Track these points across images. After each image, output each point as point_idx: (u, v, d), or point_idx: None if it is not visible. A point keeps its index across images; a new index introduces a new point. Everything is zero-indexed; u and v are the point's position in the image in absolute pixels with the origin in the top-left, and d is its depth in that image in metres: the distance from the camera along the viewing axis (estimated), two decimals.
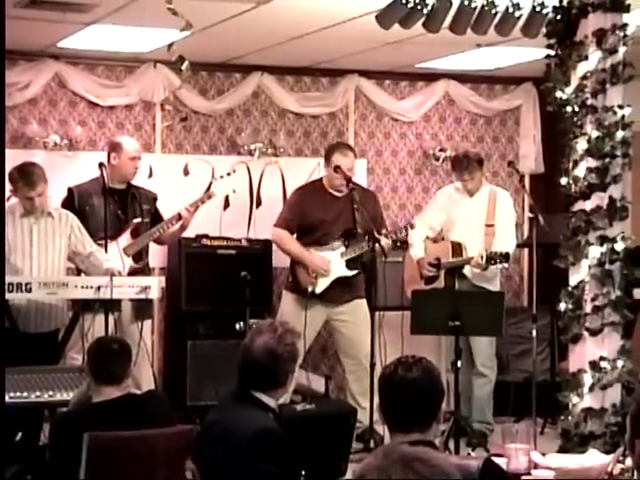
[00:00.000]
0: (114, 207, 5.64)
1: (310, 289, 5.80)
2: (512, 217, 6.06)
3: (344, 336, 5.93)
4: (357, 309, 5.89)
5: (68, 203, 5.59)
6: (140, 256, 5.70)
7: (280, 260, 6.83)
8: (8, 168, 5.50)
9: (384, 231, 5.82)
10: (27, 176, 5.13)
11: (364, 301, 5.93)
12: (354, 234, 5.85)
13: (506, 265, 5.86)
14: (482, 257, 5.73)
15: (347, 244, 5.85)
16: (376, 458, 1.71)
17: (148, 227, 5.71)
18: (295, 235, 5.98)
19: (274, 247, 6.71)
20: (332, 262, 5.86)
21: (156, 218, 5.82)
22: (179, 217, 5.72)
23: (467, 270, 5.92)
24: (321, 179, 6.07)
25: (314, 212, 5.89)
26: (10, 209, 5.24)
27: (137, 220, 5.68)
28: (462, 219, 6.05)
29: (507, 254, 5.69)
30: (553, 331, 6.40)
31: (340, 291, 5.87)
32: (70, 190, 5.69)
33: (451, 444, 5.25)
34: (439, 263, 5.96)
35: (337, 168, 5.79)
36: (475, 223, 6.00)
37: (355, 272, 5.87)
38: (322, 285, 5.86)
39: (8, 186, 5.32)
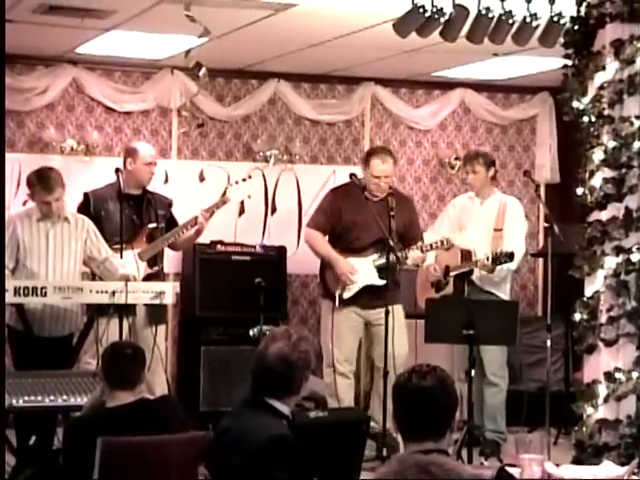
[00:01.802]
0: (129, 212, 5.66)
1: (338, 293, 5.70)
2: (521, 223, 6.05)
3: (380, 339, 5.64)
4: (394, 314, 5.61)
5: (84, 208, 5.61)
6: (155, 261, 5.71)
7: (294, 267, 6.85)
8: (25, 173, 5.56)
9: (419, 243, 5.74)
10: (45, 181, 5.15)
11: (400, 307, 5.77)
12: (386, 242, 5.67)
13: (512, 266, 5.80)
14: (487, 258, 5.73)
15: (381, 252, 5.73)
16: (391, 466, 1.72)
17: (163, 232, 5.72)
18: (327, 238, 5.85)
19: (288, 254, 6.73)
20: (363, 269, 5.74)
21: (171, 223, 5.83)
22: (195, 222, 5.73)
23: (475, 275, 5.91)
24: (359, 181, 5.88)
25: (348, 214, 5.75)
26: (27, 213, 5.28)
27: (152, 225, 5.70)
28: (472, 225, 6.06)
29: (512, 253, 5.67)
30: (567, 341, 6.38)
31: (372, 297, 5.72)
32: (86, 195, 5.72)
33: (464, 453, 5.23)
34: (448, 269, 5.94)
35: (377, 177, 5.68)
36: (484, 228, 6.00)
37: (385, 282, 5.67)
38: (351, 291, 5.73)
39: (26, 190, 5.36)
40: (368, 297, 5.75)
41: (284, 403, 3.13)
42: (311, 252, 5.98)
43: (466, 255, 5.96)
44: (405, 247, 5.73)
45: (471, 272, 5.92)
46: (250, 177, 6.14)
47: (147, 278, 5.51)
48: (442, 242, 5.83)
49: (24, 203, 6.11)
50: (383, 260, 5.67)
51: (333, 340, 5.62)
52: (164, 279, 5.84)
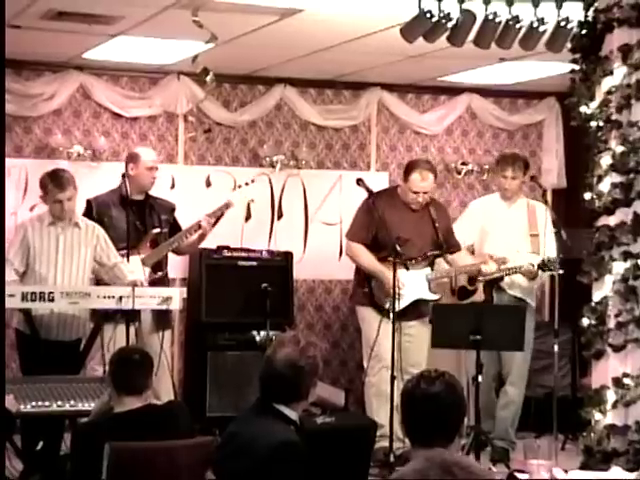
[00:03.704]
0: (133, 218, 5.67)
1: (387, 306, 5.51)
2: (551, 229, 5.87)
3: (406, 350, 5.59)
4: (424, 327, 5.66)
5: (87, 215, 5.62)
6: (159, 266, 5.72)
7: (301, 272, 6.85)
8: (33, 178, 5.57)
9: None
10: (58, 179, 5.21)
11: (427, 319, 5.69)
12: (440, 254, 5.69)
13: (560, 272, 5.72)
14: (532, 265, 5.71)
15: (432, 265, 5.68)
16: (417, 462, 1.72)
17: (167, 237, 5.72)
18: (371, 247, 5.70)
19: (295, 259, 6.73)
20: (414, 282, 5.67)
21: (174, 228, 5.84)
22: (198, 226, 5.74)
23: (505, 281, 5.89)
24: (397, 187, 5.87)
25: (392, 225, 5.54)
26: (39, 217, 5.30)
27: (156, 230, 5.70)
28: (499, 229, 5.98)
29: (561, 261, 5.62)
30: (574, 347, 6.37)
31: (415, 308, 5.70)
32: (89, 202, 5.72)
33: (471, 459, 5.22)
34: (475, 276, 5.89)
35: (416, 193, 5.63)
36: (516, 233, 5.94)
37: (437, 297, 5.69)
38: (402, 304, 5.59)
39: (37, 193, 5.37)
40: (414, 308, 5.69)
41: (292, 409, 3.13)
42: (354, 262, 5.84)
43: (498, 262, 5.87)
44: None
45: (501, 278, 5.88)
46: (253, 181, 6.15)
47: (152, 283, 5.52)
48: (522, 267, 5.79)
49: (31, 209, 6.13)
50: (438, 275, 5.67)
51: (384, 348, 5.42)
52: (168, 284, 5.85)
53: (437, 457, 1.74)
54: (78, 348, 5.30)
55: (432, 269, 5.79)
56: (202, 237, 5.80)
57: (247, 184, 6.02)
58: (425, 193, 5.66)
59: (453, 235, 5.85)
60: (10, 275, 5.06)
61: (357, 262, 5.81)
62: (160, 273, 5.69)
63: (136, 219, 5.70)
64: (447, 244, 5.78)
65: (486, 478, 1.74)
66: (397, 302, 5.40)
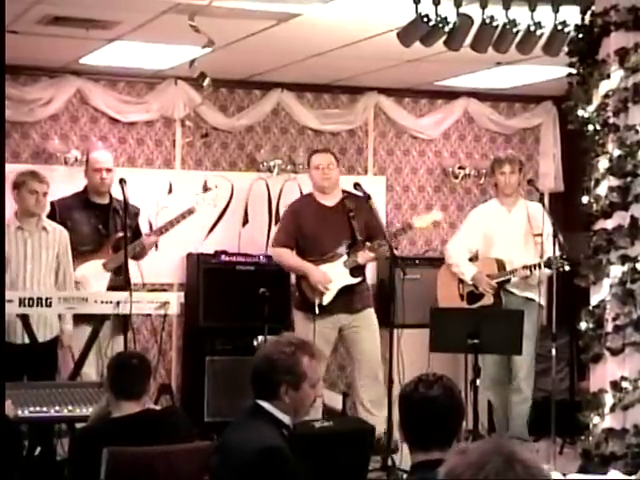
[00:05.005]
0: (95, 221, 5.76)
1: (317, 302, 5.83)
2: (549, 226, 5.91)
3: (355, 343, 5.93)
4: (368, 317, 5.95)
5: (50, 217, 5.67)
6: (120, 271, 5.69)
7: None
8: None
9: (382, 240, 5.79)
10: (35, 173, 5.43)
11: (373, 310, 5.99)
12: (355, 242, 5.90)
13: (567, 268, 5.69)
14: (540, 264, 5.76)
15: (349, 252, 5.89)
16: (485, 443, 1.69)
17: (129, 242, 5.69)
18: (295, 251, 6.01)
19: None
20: (336, 271, 5.88)
21: (137, 233, 5.89)
22: (160, 232, 5.85)
23: (512, 283, 5.93)
24: (310, 193, 6.17)
25: (308, 225, 5.94)
26: (6, 224, 5.35)
27: (119, 235, 5.72)
28: (502, 234, 6.05)
29: (565, 258, 5.63)
30: (572, 350, 6.36)
31: (349, 300, 5.90)
32: (52, 204, 5.77)
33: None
34: (502, 274, 5.95)
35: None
36: (517, 235, 6.00)
37: (359, 279, 5.92)
38: (329, 296, 5.89)
39: (10, 195, 5.43)
40: (348, 299, 5.89)
41: (278, 409, 3.06)
42: (282, 266, 6.14)
43: (500, 264, 5.97)
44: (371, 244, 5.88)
45: (508, 281, 5.95)
46: (217, 187, 6.21)
47: (112, 288, 5.55)
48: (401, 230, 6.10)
49: None
50: (352, 258, 5.87)
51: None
52: (128, 289, 5.81)
53: (506, 447, 1.71)
54: (56, 347, 5.46)
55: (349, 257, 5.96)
56: (151, 245, 5.91)
57: (210, 189, 6.10)
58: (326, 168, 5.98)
59: (375, 228, 5.86)
60: None
61: (285, 264, 6.10)
62: (120, 277, 5.65)
63: (99, 223, 5.77)
64: (370, 236, 5.92)
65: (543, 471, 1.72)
66: (327, 296, 5.81)
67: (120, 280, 5.63)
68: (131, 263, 5.76)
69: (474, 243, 6.14)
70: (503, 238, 6.04)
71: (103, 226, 5.78)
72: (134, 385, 3.69)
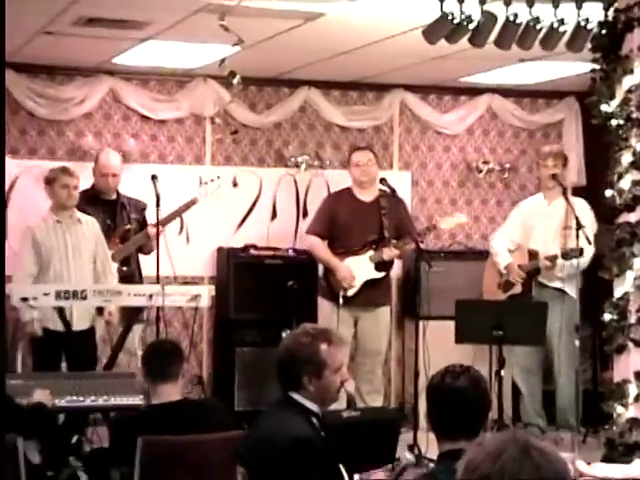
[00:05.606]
0: (103, 216, 5.93)
1: (342, 294, 6.00)
2: (589, 223, 5.93)
3: (364, 335, 6.10)
4: (383, 315, 6.16)
5: None
6: (127, 262, 5.94)
7: None
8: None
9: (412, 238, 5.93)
10: (66, 169, 5.61)
11: (388, 309, 6.24)
12: (382, 239, 6.05)
13: (583, 264, 5.79)
14: (556, 255, 5.90)
15: (376, 247, 6.05)
16: (502, 433, 1.75)
17: (136, 234, 5.96)
18: (327, 242, 6.19)
19: None
20: (362, 264, 6.04)
21: (144, 227, 6.06)
22: (165, 223, 5.96)
23: (542, 275, 6.07)
24: (349, 187, 6.28)
25: (342, 217, 6.12)
26: (43, 219, 5.56)
27: (127, 227, 5.95)
28: (539, 226, 6.20)
29: (581, 249, 5.70)
30: (595, 342, 6.43)
31: (371, 294, 6.06)
32: None
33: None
34: (531, 265, 6.09)
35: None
36: (553, 227, 6.12)
37: (383, 274, 6.08)
38: (353, 290, 6.05)
39: (44, 191, 5.61)
40: (371, 294, 6.06)
41: (307, 399, 3.07)
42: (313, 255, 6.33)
43: (533, 255, 6.13)
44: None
45: (538, 272, 6.08)
46: (219, 177, 6.29)
47: (122, 278, 5.72)
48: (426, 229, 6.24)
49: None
50: (378, 254, 6.02)
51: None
52: (139, 280, 5.98)
53: (522, 437, 1.78)
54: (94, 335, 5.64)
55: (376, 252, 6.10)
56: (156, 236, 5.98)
57: (212, 181, 6.18)
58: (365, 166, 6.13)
59: (406, 228, 6.10)
60: (25, 280, 5.28)
61: (315, 256, 6.29)
62: (127, 268, 5.88)
63: (107, 217, 5.93)
64: (397, 233, 6.09)
65: (564, 467, 1.77)
66: (351, 289, 5.99)
67: (129, 271, 5.83)
68: (163, 257, 5.92)
69: (515, 234, 6.30)
70: (540, 230, 6.17)
71: (111, 220, 5.98)
72: (168, 366, 3.78)
